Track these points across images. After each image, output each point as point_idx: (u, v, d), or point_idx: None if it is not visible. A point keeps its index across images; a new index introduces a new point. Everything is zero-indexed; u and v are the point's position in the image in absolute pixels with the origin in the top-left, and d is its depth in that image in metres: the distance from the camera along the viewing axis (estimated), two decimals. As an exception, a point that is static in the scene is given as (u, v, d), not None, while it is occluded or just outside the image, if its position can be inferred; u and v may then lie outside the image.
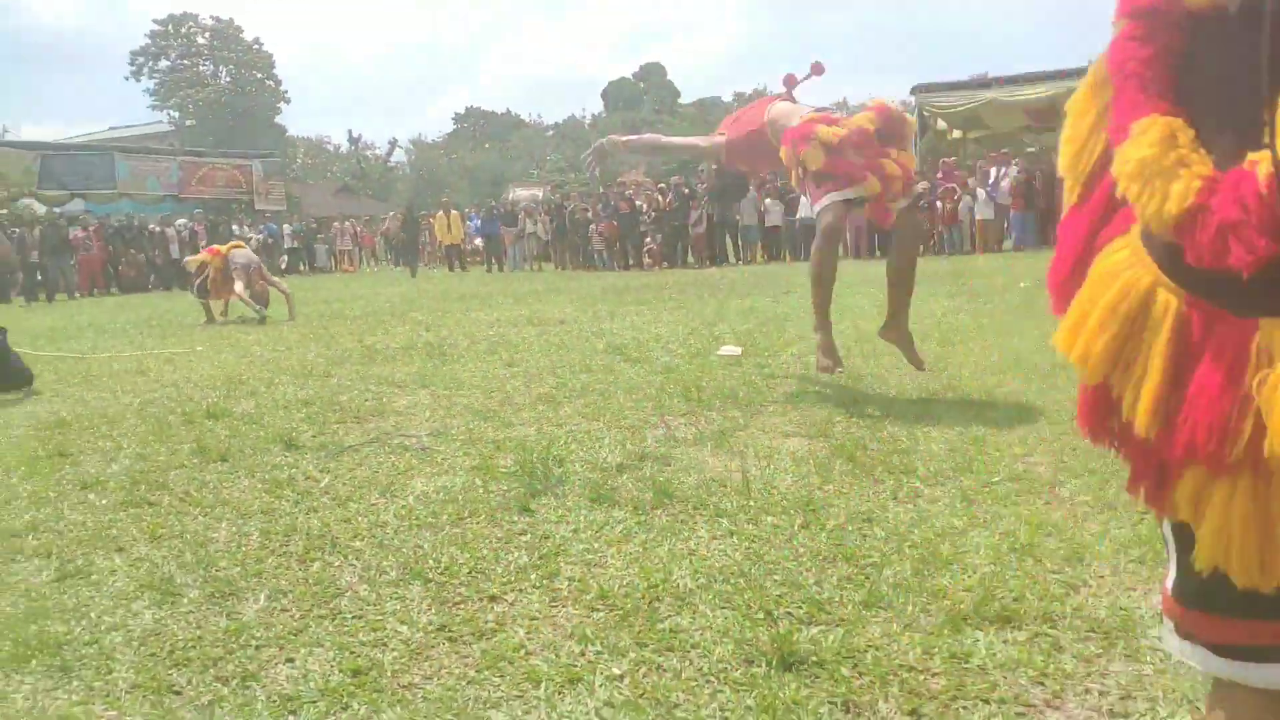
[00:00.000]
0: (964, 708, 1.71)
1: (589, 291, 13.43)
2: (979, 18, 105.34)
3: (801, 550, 2.48)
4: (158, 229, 20.54)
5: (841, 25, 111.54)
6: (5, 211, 22.28)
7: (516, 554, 2.56)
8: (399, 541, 2.70)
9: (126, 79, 51.45)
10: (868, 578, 2.26)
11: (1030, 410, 3.93)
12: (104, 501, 3.19)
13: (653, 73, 72.95)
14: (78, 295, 18.70)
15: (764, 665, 1.86)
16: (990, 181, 17.57)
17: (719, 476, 3.20)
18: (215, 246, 10.90)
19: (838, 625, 2.01)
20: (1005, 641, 1.93)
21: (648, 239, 20.60)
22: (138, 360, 7.13)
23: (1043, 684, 1.77)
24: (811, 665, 1.85)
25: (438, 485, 3.25)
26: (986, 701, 1.72)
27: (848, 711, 1.71)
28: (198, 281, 10.28)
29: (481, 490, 3.16)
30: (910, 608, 2.08)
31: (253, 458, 3.76)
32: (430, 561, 2.53)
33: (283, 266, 26.00)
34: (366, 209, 49.36)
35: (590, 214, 22.11)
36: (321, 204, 43.01)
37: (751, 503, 2.89)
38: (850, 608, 2.10)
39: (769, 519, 2.74)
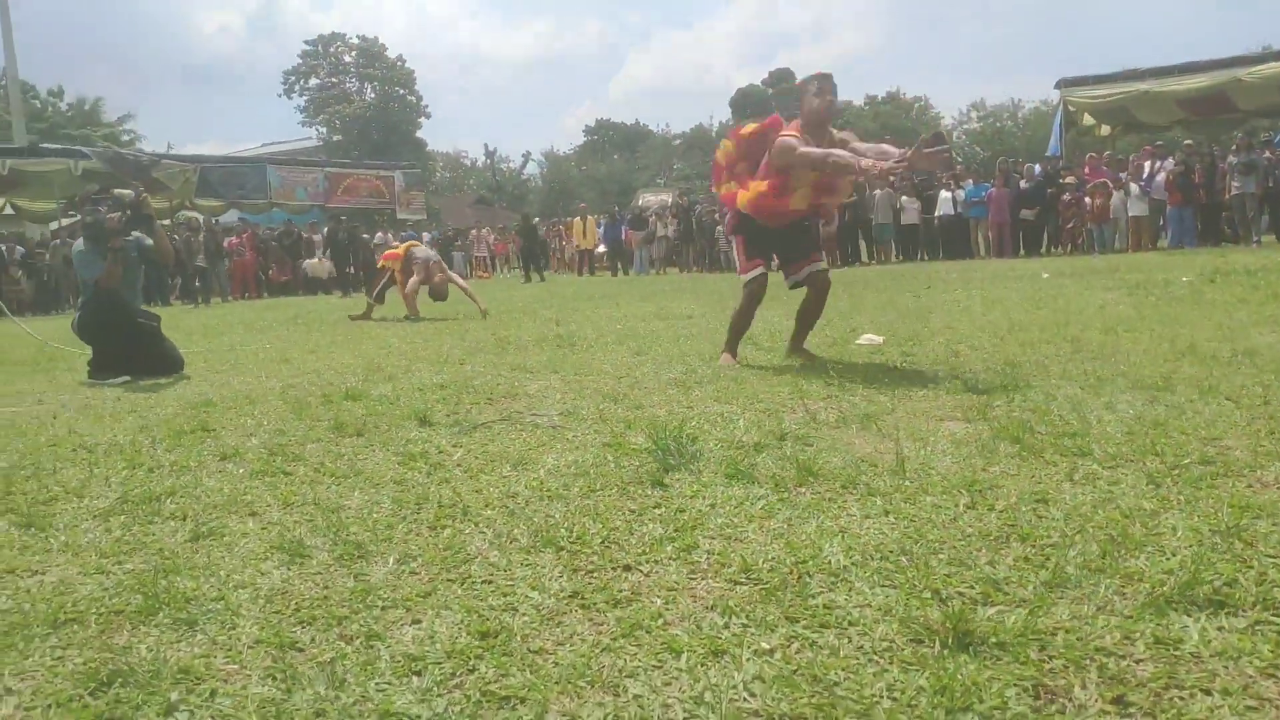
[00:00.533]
0: (1179, 698, 1.45)
1: (716, 289, 13.24)
2: (1126, 10, 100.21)
3: (969, 530, 2.23)
4: (305, 235, 21.42)
5: (978, 23, 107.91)
6: (168, 222, 23.69)
7: (651, 526, 2.40)
8: (530, 511, 2.58)
9: (279, 97, 54.34)
10: (1048, 558, 2.00)
11: (1215, 395, 3.53)
12: (241, 471, 3.19)
13: (782, 79, 72.31)
14: (230, 298, 19.64)
15: (935, 645, 1.64)
16: (1144, 176, 16.53)
17: (868, 457, 2.97)
18: (393, 249, 11.21)
19: (1019, 606, 1.77)
20: (1221, 629, 1.65)
21: (779, 240, 20.25)
22: (282, 350, 7.34)
23: (1275, 676, 1.49)
24: (991, 646, 1.61)
25: (569, 460, 3.13)
26: (1207, 693, 1.46)
27: (1038, 697, 1.47)
28: (379, 287, 10.62)
29: (613, 465, 3.02)
30: (1102, 590, 1.82)
31: (387, 433, 3.73)
32: (562, 531, 2.39)
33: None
34: (501, 219, 50.60)
35: (717, 216, 21.93)
36: (459, 214, 44.31)
37: (908, 482, 2.65)
38: (1031, 588, 1.85)
39: (928, 499, 2.50)
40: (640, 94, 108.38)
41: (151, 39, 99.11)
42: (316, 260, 20.36)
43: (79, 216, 7.33)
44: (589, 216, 25.66)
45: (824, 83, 4.96)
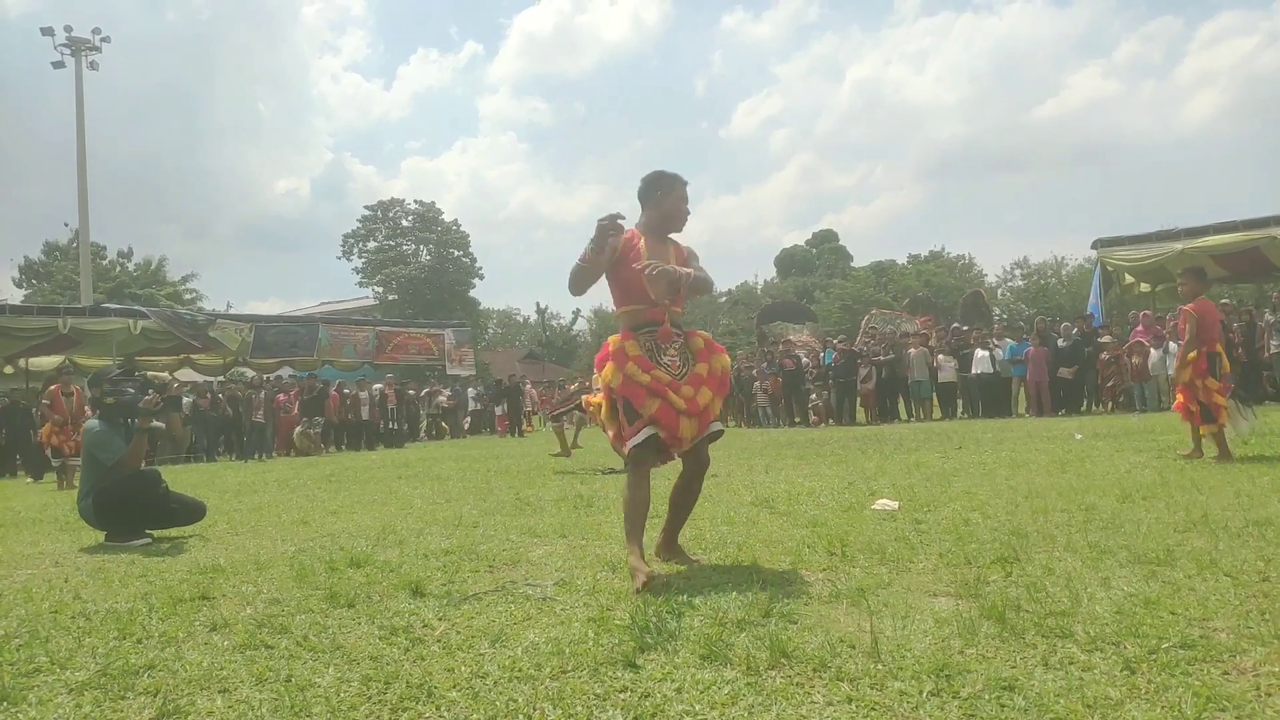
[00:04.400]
0: None
1: (749, 446, 13.25)
2: (1163, 171, 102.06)
3: (926, 720, 2.18)
4: (350, 391, 21.92)
5: (1020, 187, 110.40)
6: (222, 379, 24.50)
7: (611, 713, 2.38)
8: (495, 694, 2.57)
9: (338, 259, 56.58)
10: (997, 755, 1.95)
11: (1214, 570, 3.44)
12: (226, 643, 3.23)
13: (825, 239, 74.12)
14: (275, 455, 19.96)
15: None
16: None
17: (848, 636, 2.92)
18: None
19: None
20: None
21: (813, 395, 20.32)
22: (304, 511, 7.45)
23: None
24: None
25: (550, 636, 3.12)
26: None
27: None
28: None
29: (591, 643, 3.00)
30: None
31: (378, 604, 3.75)
32: (520, 717, 2.38)
33: (466, 427, 27.22)
34: (550, 374, 51.42)
35: (755, 371, 22.14)
36: (509, 369, 45.08)
37: (880, 666, 2.61)
38: (970, 789, 1.80)
39: (896, 684, 2.45)
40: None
41: (221, 202, 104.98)
42: (300, 429, 20.27)
43: (92, 394, 6.90)
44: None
45: (673, 186, 4.28)
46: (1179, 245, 20.56)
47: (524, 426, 26.62)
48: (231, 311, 33.68)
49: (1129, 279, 22.94)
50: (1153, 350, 16.43)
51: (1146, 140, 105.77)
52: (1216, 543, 3.96)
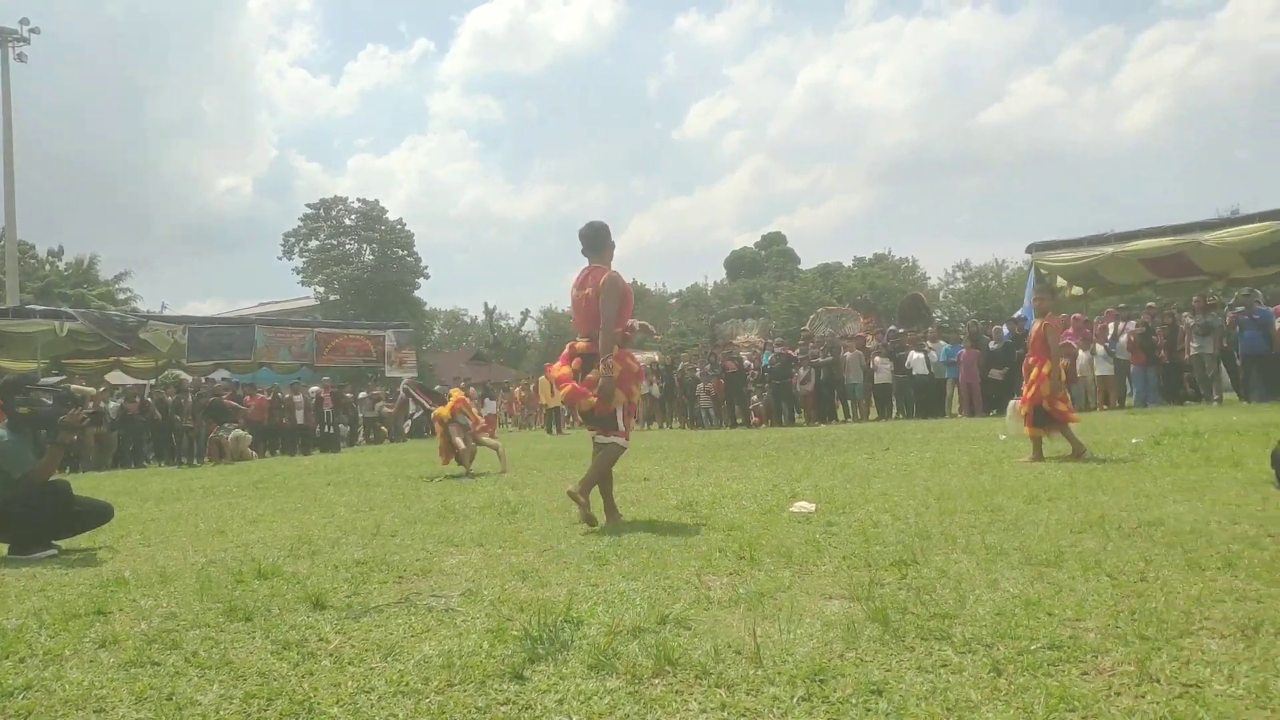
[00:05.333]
0: None
1: (687, 448, 13.32)
2: (1103, 176, 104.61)
3: (792, 727, 2.23)
4: (285, 395, 21.58)
5: (965, 191, 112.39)
6: (154, 382, 23.98)
7: (488, 725, 2.39)
8: (376, 710, 2.57)
9: (279, 259, 55.57)
10: (851, 761, 2.00)
11: (1097, 570, 3.55)
12: (112, 660, 3.17)
13: (773, 241, 74.73)
14: (205, 460, 19.49)
15: None
16: (1109, 337, 16.88)
17: (735, 642, 2.97)
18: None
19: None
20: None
21: (754, 397, 20.50)
22: (222, 520, 7.34)
23: None
24: None
25: (444, 649, 3.12)
26: None
27: None
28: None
29: (484, 655, 3.01)
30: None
31: (277, 618, 3.71)
32: (396, 732, 2.38)
33: (406, 431, 26.94)
34: (497, 375, 51.12)
35: (698, 373, 22.27)
36: (455, 371, 44.81)
37: (760, 672, 2.65)
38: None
39: (771, 690, 2.50)
40: (640, 254, 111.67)
41: (161, 200, 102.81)
42: (237, 433, 19.58)
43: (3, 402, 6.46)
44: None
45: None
46: (1110, 249, 21.07)
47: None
48: (166, 312, 32.99)
49: (1061, 282, 23.45)
50: (1081, 352, 16.84)
51: (1088, 146, 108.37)
52: (1106, 543, 4.09)
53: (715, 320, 33.55)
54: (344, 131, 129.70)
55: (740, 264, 72.87)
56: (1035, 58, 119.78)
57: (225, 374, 25.95)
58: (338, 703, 2.65)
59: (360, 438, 25.51)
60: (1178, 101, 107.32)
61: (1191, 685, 2.28)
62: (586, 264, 5.99)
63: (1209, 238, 19.73)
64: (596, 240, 5.97)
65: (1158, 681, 2.30)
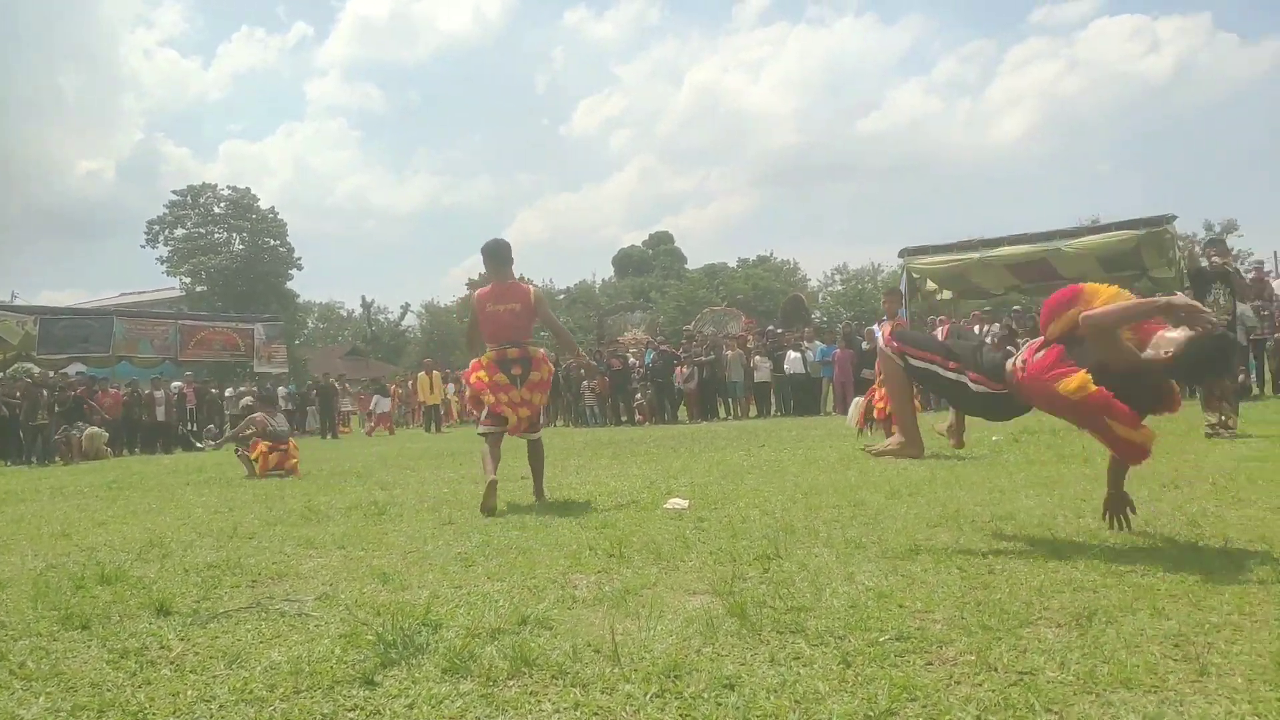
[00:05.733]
0: None
1: (569, 446, 13.28)
2: (975, 185, 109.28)
3: (644, 723, 2.22)
4: (146, 391, 20.58)
5: (844, 196, 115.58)
6: (1, 375, 22.51)
7: (333, 733, 2.31)
8: (216, 719, 2.45)
9: (143, 247, 53.01)
10: (700, 756, 2.01)
11: (949, 564, 3.69)
12: (-76, 675, 2.94)
13: (660, 241, 75.39)
14: (57, 460, 18.44)
15: None
16: (977, 340, 17.62)
17: (595, 641, 2.95)
18: None
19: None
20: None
21: (637, 395, 20.62)
22: (68, 522, 6.94)
23: None
24: None
25: (294, 655, 3.00)
26: None
27: None
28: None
29: (335, 660, 2.90)
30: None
31: (116, 625, 3.51)
32: (235, 742, 2.27)
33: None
34: (374, 371, 49.94)
35: (583, 371, 22.24)
36: (329, 367, 43.48)
37: (616, 669, 2.64)
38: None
39: (626, 687, 2.49)
40: (528, 250, 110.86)
41: (13, 183, 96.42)
42: (91, 430, 18.60)
43: None
44: (434, 371, 25.62)
45: None
46: (977, 255, 21.99)
47: (339, 428, 25.79)
48: (17, 302, 30.95)
49: (931, 285, 24.36)
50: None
51: (961, 155, 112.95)
52: (959, 536, 4.25)
53: (603, 315, 33.59)
54: (215, 116, 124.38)
55: (628, 262, 73.28)
56: (913, 67, 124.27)
57: (80, 368, 24.57)
58: (174, 713, 2.52)
59: (225, 435, 24.53)
60: (1044, 115, 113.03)
61: (1026, 673, 2.37)
62: (493, 279, 6.64)
63: (1068, 245, 20.83)
64: (506, 256, 6.62)
65: (995, 670, 2.39)
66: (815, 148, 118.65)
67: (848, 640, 2.75)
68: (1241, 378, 13.68)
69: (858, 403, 9.41)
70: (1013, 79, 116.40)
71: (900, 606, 3.09)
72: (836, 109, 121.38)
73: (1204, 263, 10.05)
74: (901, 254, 24.01)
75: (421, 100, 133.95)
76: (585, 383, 21.79)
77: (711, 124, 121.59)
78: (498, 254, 6.59)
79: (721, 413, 20.23)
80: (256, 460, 10.82)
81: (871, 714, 2.15)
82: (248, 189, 54.51)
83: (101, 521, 6.94)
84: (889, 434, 8.72)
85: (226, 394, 24.33)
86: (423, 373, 26.09)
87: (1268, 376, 14.73)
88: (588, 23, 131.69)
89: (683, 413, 21.15)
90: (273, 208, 54.89)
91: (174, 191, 54.31)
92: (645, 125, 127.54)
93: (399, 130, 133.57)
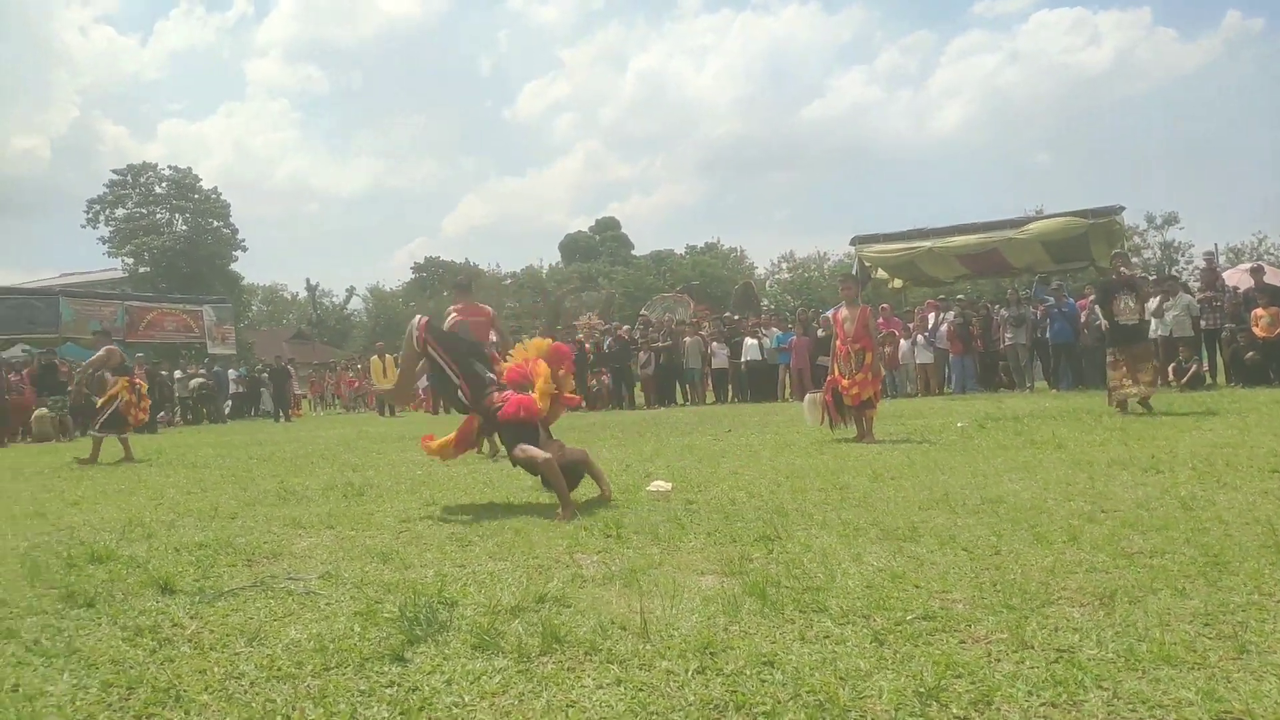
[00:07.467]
0: None
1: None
2: (917, 174, 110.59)
3: (692, 698, 2.25)
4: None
5: (788, 184, 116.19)
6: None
7: (377, 708, 2.30)
8: (251, 695, 2.43)
9: (83, 227, 51.46)
10: (758, 729, 2.04)
11: (953, 545, 3.77)
12: (-66, 653, 2.87)
13: (608, 226, 75.15)
14: (5, 442, 17.94)
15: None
16: (929, 327, 17.90)
17: (619, 618, 2.97)
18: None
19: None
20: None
21: (593, 381, 20.61)
22: (39, 502, 6.77)
23: None
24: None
25: (312, 632, 2.98)
26: None
27: None
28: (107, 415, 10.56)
29: (358, 638, 2.89)
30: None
31: (122, 603, 3.45)
32: (279, 718, 2.26)
33: (227, 412, 25.62)
34: (320, 355, 49.20)
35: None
36: (275, 349, 42.77)
37: (649, 646, 2.67)
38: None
39: (664, 664, 2.52)
40: (474, 233, 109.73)
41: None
42: (40, 412, 18.32)
43: None
44: (388, 355, 25.35)
45: None
46: (928, 243, 22.28)
47: (291, 410, 25.39)
48: (-50, 281, 29.96)
49: (882, 273, 24.64)
50: (903, 340, 17.79)
51: (903, 144, 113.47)
52: (955, 519, 4.34)
53: (560, 297, 33.45)
54: (153, 95, 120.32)
55: (575, 248, 72.94)
56: (855, 57, 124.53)
57: (24, 348, 23.86)
58: (206, 689, 2.49)
59: (176, 417, 24.05)
60: (984, 106, 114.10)
61: (1064, 651, 2.44)
62: (457, 299, 8.63)
63: (1018, 233, 21.20)
64: (473, 284, 8.24)
65: (1031, 648, 2.46)
66: (758, 135, 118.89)
67: (874, 620, 2.80)
68: (1194, 368, 14.11)
69: (812, 400, 9.44)
70: (953, 70, 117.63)
71: (916, 587, 3.15)
72: (779, 97, 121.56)
73: (1113, 275, 10.65)
74: (853, 242, 24.21)
75: (364, 82, 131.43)
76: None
77: (657, 110, 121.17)
78: (463, 284, 8.75)
79: (679, 398, 20.31)
80: (120, 401, 10.69)
81: (921, 690, 2.20)
82: (189, 169, 53.14)
83: (74, 501, 6.79)
84: (859, 424, 8.90)
85: (176, 376, 23.83)
86: (375, 356, 25.79)
87: (1220, 365, 15.14)
88: (532, 6, 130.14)
89: (639, 398, 21.21)
90: (215, 188, 53.46)
91: (114, 171, 52.65)
92: (589, 110, 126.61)
93: (341, 112, 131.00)
